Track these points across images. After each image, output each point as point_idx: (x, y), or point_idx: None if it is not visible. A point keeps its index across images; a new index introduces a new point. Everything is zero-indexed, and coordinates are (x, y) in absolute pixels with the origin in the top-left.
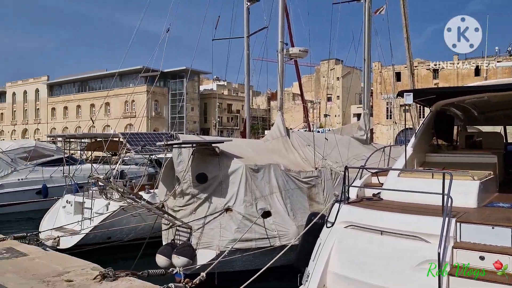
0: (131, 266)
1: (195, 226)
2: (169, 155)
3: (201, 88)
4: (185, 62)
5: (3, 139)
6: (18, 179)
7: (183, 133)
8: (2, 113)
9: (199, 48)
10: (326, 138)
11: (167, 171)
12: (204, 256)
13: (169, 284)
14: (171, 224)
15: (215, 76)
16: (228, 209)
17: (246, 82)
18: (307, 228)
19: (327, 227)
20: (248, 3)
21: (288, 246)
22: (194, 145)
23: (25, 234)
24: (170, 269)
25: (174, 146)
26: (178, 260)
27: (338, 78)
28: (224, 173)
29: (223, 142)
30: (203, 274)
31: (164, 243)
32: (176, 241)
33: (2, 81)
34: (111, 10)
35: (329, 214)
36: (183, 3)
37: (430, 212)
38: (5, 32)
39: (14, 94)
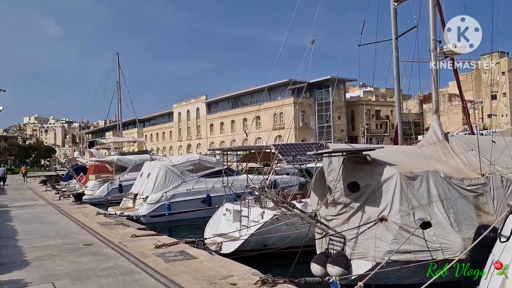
0: (286, 273)
1: (348, 236)
2: (319, 164)
3: (347, 95)
4: (329, 71)
5: (172, 154)
6: (187, 190)
7: (331, 142)
8: (170, 131)
9: (344, 55)
10: (493, 141)
11: (318, 180)
12: (359, 267)
13: None
14: (324, 233)
15: (361, 83)
16: (382, 219)
17: (395, 86)
18: (476, 242)
19: (501, 241)
20: (395, 4)
21: (455, 261)
22: (344, 153)
23: (194, 239)
24: (326, 278)
25: (324, 155)
26: (333, 270)
27: (503, 72)
28: (376, 182)
29: (374, 150)
30: (361, 284)
31: (318, 252)
32: (330, 250)
33: (170, 103)
34: (256, 29)
35: (502, 227)
36: (326, 13)
37: None
38: (170, 61)
39: (179, 113)
